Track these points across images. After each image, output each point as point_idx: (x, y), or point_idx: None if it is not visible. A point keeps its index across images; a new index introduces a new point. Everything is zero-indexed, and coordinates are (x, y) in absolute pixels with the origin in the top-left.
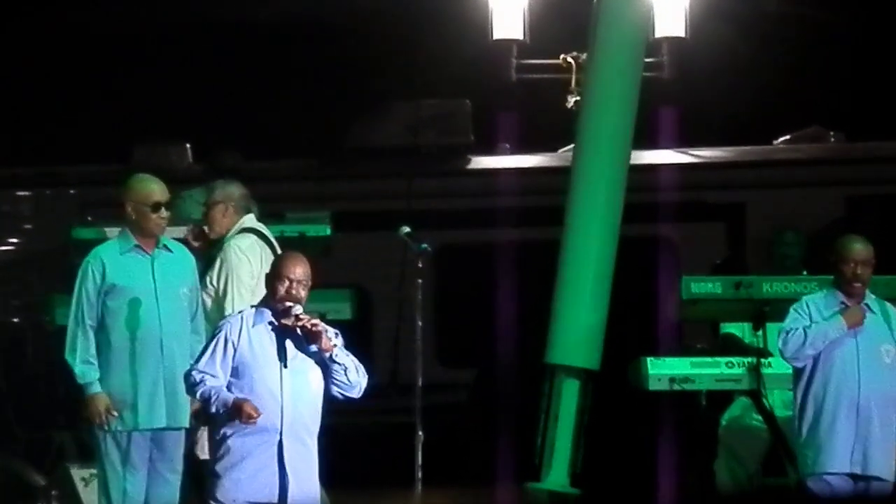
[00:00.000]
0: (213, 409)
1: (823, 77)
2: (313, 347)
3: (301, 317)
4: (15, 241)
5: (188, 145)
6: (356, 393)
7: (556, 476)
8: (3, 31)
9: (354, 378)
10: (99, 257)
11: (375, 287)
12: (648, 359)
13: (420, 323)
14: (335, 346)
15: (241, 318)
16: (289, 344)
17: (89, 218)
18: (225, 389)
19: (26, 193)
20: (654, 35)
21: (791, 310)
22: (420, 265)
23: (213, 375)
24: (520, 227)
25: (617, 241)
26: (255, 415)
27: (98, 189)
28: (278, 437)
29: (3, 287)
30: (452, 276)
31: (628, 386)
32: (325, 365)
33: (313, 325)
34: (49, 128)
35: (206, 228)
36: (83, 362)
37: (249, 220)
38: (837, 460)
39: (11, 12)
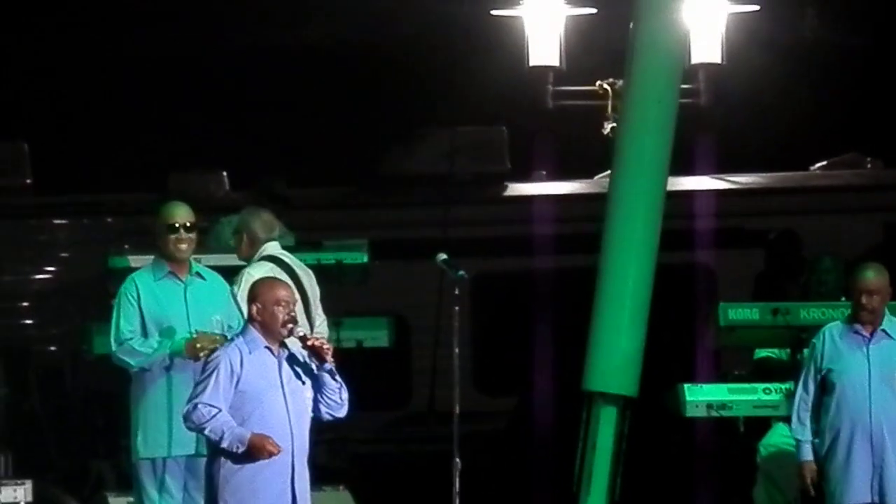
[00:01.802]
0: (226, 445)
1: (860, 103)
2: (326, 366)
3: (308, 337)
4: (52, 269)
5: (225, 173)
6: (343, 412)
7: (595, 503)
8: (39, 60)
9: (345, 396)
10: (134, 283)
11: (413, 315)
12: (686, 385)
13: (457, 350)
14: (333, 362)
15: (237, 346)
16: (285, 366)
17: (126, 246)
18: (235, 424)
19: (63, 222)
20: (690, 61)
21: (809, 347)
22: (457, 292)
23: (220, 409)
24: (557, 254)
25: (654, 268)
26: (275, 451)
27: (135, 218)
28: (290, 460)
29: (41, 316)
30: (490, 304)
31: (666, 413)
32: (321, 384)
33: (322, 343)
34: (87, 156)
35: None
36: (147, 347)
37: (271, 247)
38: (857, 490)
39: (51, 39)
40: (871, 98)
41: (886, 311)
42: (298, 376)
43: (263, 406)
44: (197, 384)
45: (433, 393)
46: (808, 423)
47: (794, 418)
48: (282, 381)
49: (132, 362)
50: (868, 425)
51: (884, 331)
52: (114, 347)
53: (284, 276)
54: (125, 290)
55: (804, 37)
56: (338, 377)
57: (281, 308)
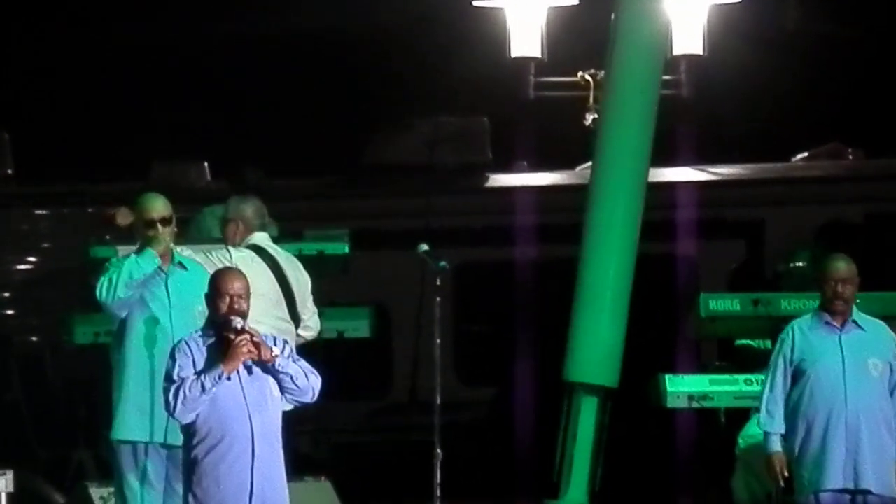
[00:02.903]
0: (210, 385)
1: (842, 93)
2: (249, 361)
3: (243, 330)
4: (33, 259)
5: (206, 163)
6: (309, 398)
7: (575, 493)
8: (23, 47)
9: (304, 384)
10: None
11: (394, 305)
12: (667, 376)
13: (439, 340)
14: (276, 356)
15: (186, 342)
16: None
17: (107, 237)
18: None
19: (45, 212)
20: (671, 52)
21: (777, 342)
22: (438, 283)
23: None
24: (538, 244)
25: (635, 259)
26: (244, 346)
27: (116, 207)
28: (251, 447)
29: (22, 305)
30: (471, 294)
31: (647, 403)
32: (275, 374)
33: (252, 337)
34: (68, 146)
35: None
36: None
37: (259, 237)
38: (831, 477)
39: (32, 28)
40: (853, 89)
41: (854, 306)
42: (250, 365)
43: (218, 394)
44: (164, 380)
45: (415, 383)
46: (776, 415)
47: (763, 411)
48: (238, 369)
49: (112, 277)
50: (843, 412)
51: (854, 321)
52: (97, 293)
53: (262, 266)
54: (111, 265)
55: (786, 28)
56: (284, 369)
57: (224, 299)
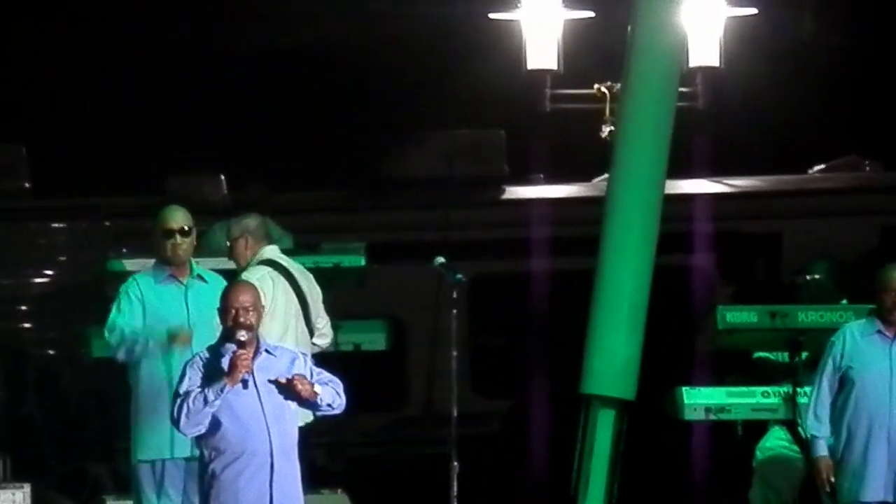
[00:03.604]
0: (213, 396)
1: (859, 105)
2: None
3: (242, 342)
4: (50, 273)
5: (222, 177)
6: (340, 409)
7: None
8: (37, 62)
9: (338, 402)
10: (137, 283)
11: (410, 318)
12: (684, 388)
13: (455, 353)
14: (318, 393)
15: (199, 356)
16: (259, 368)
17: (124, 250)
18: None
19: (61, 225)
20: (688, 64)
21: (827, 345)
22: (455, 295)
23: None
24: (554, 257)
25: (652, 271)
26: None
27: (133, 221)
28: (270, 460)
29: (39, 319)
30: (487, 307)
31: (664, 416)
32: (316, 408)
33: (300, 384)
34: (85, 160)
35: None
36: (133, 333)
37: (269, 251)
38: (872, 487)
39: (50, 41)
40: (870, 100)
41: None
42: (274, 383)
43: (235, 406)
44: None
45: (431, 396)
46: (825, 419)
47: (811, 414)
48: (255, 382)
49: (114, 341)
50: (887, 423)
51: None
52: (106, 334)
53: (281, 280)
54: (127, 288)
55: (802, 40)
56: (323, 399)
57: (230, 312)
